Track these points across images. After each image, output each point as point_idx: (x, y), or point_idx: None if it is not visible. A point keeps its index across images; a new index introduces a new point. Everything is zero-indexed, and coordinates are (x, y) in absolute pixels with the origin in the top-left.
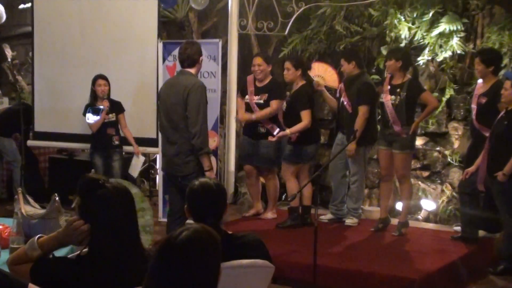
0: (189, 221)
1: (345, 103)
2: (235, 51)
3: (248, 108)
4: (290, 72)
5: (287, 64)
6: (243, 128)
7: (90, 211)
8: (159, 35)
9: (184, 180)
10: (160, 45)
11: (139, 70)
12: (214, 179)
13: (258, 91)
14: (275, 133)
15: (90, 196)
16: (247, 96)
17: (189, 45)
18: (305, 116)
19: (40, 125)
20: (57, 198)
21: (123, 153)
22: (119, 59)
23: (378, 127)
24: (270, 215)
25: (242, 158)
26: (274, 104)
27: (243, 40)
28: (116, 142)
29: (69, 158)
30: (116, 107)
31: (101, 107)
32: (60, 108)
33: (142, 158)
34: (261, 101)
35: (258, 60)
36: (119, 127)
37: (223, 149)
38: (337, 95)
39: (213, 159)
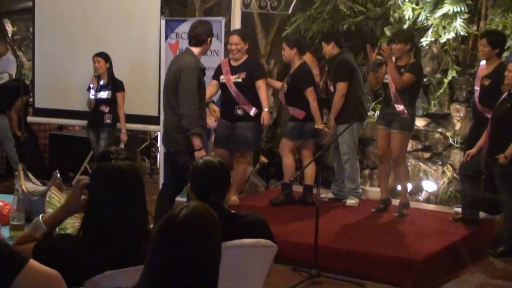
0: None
1: (329, 83)
2: None
3: (226, 90)
4: (285, 52)
5: (283, 45)
6: (220, 110)
7: (93, 182)
8: (162, 12)
9: (175, 155)
10: (163, 22)
11: (141, 48)
12: (218, 158)
13: (235, 70)
14: (251, 113)
15: (98, 167)
16: (222, 77)
17: (199, 24)
18: (310, 94)
19: (40, 101)
20: (58, 175)
21: (114, 133)
22: (121, 36)
23: (378, 106)
24: (231, 200)
25: (216, 141)
26: (261, 84)
27: (246, 18)
28: (108, 121)
29: (70, 135)
30: (114, 86)
31: (91, 84)
32: (61, 85)
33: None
34: (239, 80)
35: (234, 39)
36: (114, 106)
37: None
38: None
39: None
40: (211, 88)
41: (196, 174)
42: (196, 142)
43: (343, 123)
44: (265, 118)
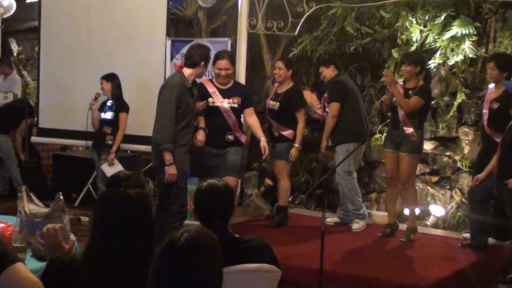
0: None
1: (326, 104)
2: (244, 51)
3: (217, 114)
4: (281, 72)
5: (279, 64)
6: (207, 137)
7: (100, 208)
8: (168, 33)
9: (155, 171)
10: (169, 42)
11: (146, 68)
12: (223, 181)
13: (226, 94)
14: (243, 139)
15: (106, 193)
16: (211, 99)
17: (196, 46)
18: (301, 116)
19: (44, 121)
20: (61, 197)
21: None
22: (126, 57)
23: (386, 128)
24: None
25: (200, 171)
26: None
27: (253, 39)
28: (109, 142)
29: (73, 156)
30: (118, 106)
31: (91, 104)
32: (65, 105)
33: (116, 167)
34: (235, 105)
35: (224, 63)
36: (116, 127)
37: None
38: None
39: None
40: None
41: (200, 197)
42: (167, 157)
43: (339, 144)
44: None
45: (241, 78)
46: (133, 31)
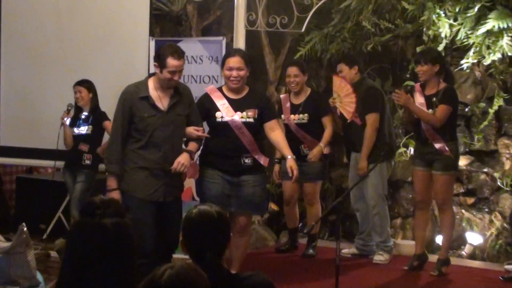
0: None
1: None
2: None
3: (227, 131)
4: (299, 79)
5: (293, 70)
6: (210, 162)
7: (72, 239)
8: (151, 32)
9: None
10: (152, 43)
11: (126, 74)
12: (216, 207)
13: (242, 106)
14: (262, 162)
15: (79, 222)
16: (219, 113)
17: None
18: (329, 122)
19: (6, 139)
20: (24, 229)
21: (94, 176)
22: (103, 61)
23: (411, 142)
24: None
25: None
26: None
27: (252, 38)
28: (87, 162)
29: (41, 179)
30: (95, 118)
31: (66, 119)
32: (31, 119)
33: None
34: (251, 120)
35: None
36: (95, 143)
37: None
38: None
39: None
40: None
41: (189, 226)
42: (109, 181)
43: (371, 162)
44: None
45: None
46: (110, 30)
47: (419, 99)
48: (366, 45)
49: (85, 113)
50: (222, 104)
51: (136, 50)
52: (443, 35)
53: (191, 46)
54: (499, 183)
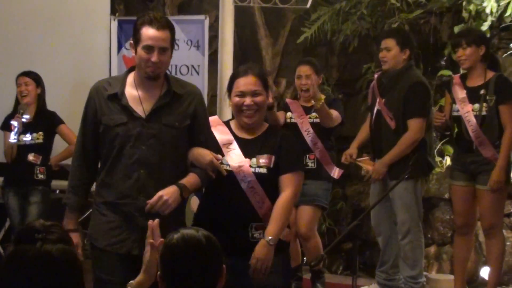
0: None
1: (383, 114)
2: (229, 34)
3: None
4: (312, 81)
5: (305, 69)
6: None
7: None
8: (113, 10)
9: None
10: (114, 24)
11: (83, 64)
12: (203, 231)
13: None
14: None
15: (16, 250)
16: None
17: None
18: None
19: None
20: None
21: (49, 194)
22: (53, 48)
23: (448, 148)
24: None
25: None
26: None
27: (243, 16)
28: (40, 176)
29: None
30: (46, 122)
31: (13, 122)
32: None
33: None
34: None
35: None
36: (48, 153)
37: None
38: (369, 100)
39: None
40: None
41: (170, 257)
42: (66, 217)
43: (396, 178)
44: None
45: (226, 75)
46: (61, 10)
47: (460, 94)
48: (390, 24)
49: (26, 116)
50: (227, 144)
51: (95, 34)
52: (488, 10)
53: None
54: None
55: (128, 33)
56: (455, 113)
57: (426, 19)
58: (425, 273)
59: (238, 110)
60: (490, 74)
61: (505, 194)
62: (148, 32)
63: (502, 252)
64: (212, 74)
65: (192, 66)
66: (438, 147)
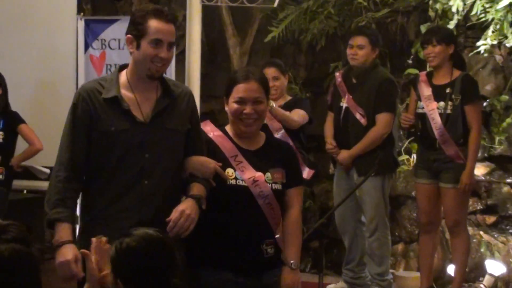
0: None
1: (352, 110)
2: (197, 33)
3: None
4: (279, 83)
5: (272, 71)
6: (219, 250)
7: None
8: (80, 10)
9: None
10: (81, 24)
11: (49, 62)
12: (156, 229)
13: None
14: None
15: None
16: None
17: None
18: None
19: None
20: None
21: (8, 195)
22: (16, 47)
23: (414, 146)
24: None
25: None
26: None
27: (211, 16)
28: None
29: None
30: (6, 122)
31: None
32: None
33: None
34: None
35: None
36: (9, 153)
37: None
38: (329, 98)
39: None
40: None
41: (128, 260)
42: (56, 233)
43: (363, 174)
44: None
45: (194, 74)
46: (27, 9)
47: (425, 91)
48: (357, 22)
49: None
50: (234, 156)
51: (61, 33)
52: (454, 9)
53: None
54: None
55: (96, 32)
56: (419, 110)
57: (393, 18)
58: (392, 270)
59: (236, 117)
60: (457, 73)
61: (469, 192)
62: (157, 24)
63: (467, 249)
64: (179, 73)
65: None
66: (405, 145)
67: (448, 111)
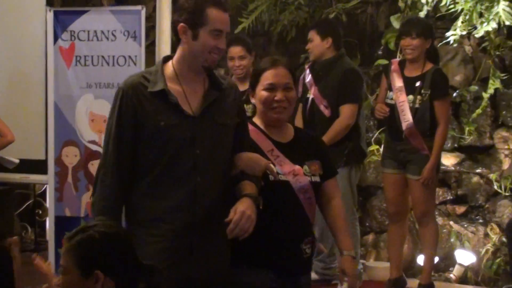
0: None
1: (317, 102)
2: (167, 24)
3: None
4: (245, 62)
5: (237, 50)
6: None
7: None
8: (49, 1)
9: None
10: (50, 16)
11: (18, 54)
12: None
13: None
14: None
15: None
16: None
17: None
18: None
19: None
20: None
21: None
22: None
23: (384, 138)
24: None
25: None
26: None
27: None
28: None
29: None
30: None
31: None
32: None
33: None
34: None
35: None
36: None
37: None
38: (300, 89)
39: None
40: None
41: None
42: None
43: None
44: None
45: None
46: None
47: (397, 82)
48: (327, 14)
49: None
50: (270, 150)
51: (30, 24)
52: (423, 0)
53: (101, 18)
54: (495, 187)
55: (65, 24)
56: (388, 101)
57: (363, 9)
58: (363, 261)
59: (266, 106)
60: (428, 66)
61: (436, 182)
62: (217, 14)
63: (435, 239)
64: (149, 65)
65: (129, 57)
66: (375, 135)
67: (417, 105)
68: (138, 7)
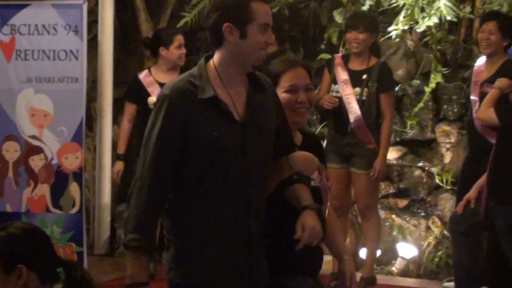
0: None
1: None
2: (109, 18)
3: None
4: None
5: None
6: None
7: None
8: None
9: None
10: None
11: None
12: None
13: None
14: None
15: None
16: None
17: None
18: None
19: None
20: None
21: None
22: None
23: (328, 132)
24: None
25: None
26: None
27: (123, 0)
28: None
29: None
30: None
31: None
32: None
33: None
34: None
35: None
36: None
37: (93, 171)
38: None
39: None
40: None
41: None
42: (132, 268)
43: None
44: None
45: (106, 61)
46: None
47: (342, 75)
48: (271, 7)
49: None
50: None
51: None
52: None
53: (41, 12)
54: (437, 181)
55: (5, 17)
56: (334, 94)
57: (306, 3)
58: None
59: (289, 108)
60: (373, 60)
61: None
62: (262, 7)
63: (378, 233)
64: (91, 59)
65: (71, 51)
66: (318, 130)
67: (364, 98)
68: (80, 1)
